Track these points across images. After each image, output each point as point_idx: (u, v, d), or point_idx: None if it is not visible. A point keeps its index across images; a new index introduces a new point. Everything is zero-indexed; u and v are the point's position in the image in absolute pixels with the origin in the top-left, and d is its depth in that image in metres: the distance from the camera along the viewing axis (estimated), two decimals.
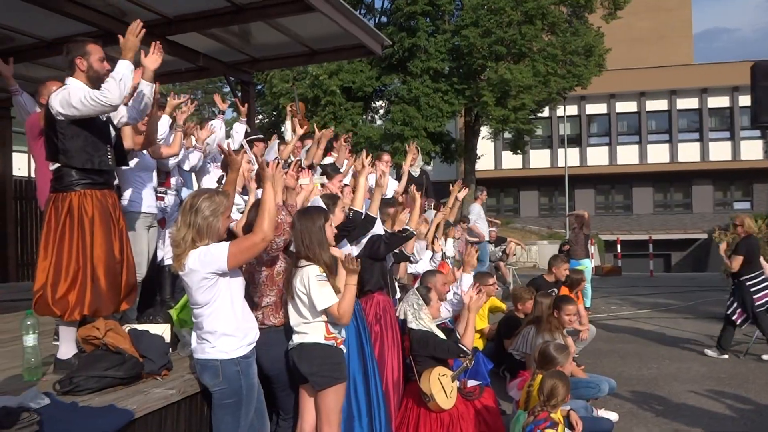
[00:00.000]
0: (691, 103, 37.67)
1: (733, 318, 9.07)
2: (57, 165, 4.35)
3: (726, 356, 9.08)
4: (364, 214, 5.46)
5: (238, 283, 3.91)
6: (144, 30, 4.52)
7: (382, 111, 29.02)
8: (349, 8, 8.45)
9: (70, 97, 4.20)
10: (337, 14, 8.18)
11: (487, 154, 33.96)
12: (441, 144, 27.13)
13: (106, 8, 7.64)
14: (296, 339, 4.32)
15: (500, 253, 15.72)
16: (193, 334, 3.94)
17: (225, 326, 3.80)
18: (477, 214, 14.56)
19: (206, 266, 3.67)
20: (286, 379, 4.45)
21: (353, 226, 5.39)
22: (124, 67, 4.33)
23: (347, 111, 25.30)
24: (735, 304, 9.11)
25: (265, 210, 3.74)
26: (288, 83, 23.74)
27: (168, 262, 6.50)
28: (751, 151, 36.57)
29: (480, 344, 7.96)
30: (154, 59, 4.63)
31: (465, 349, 5.64)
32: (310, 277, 4.19)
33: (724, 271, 9.74)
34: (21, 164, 13.66)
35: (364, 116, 27.67)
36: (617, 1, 26.31)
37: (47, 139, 4.38)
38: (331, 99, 24.71)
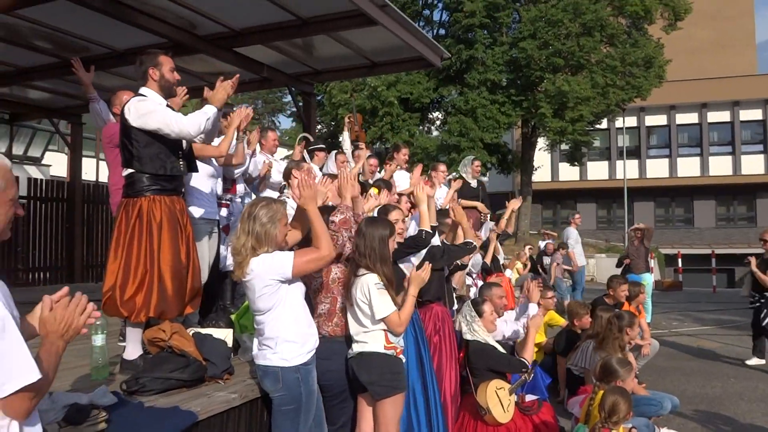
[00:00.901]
0: (755, 114, 36.67)
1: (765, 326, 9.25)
2: (129, 171, 4.51)
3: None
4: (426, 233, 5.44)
5: (299, 290, 3.97)
6: (233, 80, 4.81)
7: (438, 122, 29.04)
8: (409, 21, 8.52)
9: (153, 112, 4.40)
10: (398, 27, 8.25)
11: (543, 166, 33.65)
12: (498, 155, 27.03)
13: (176, 20, 7.85)
14: (356, 348, 4.36)
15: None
16: (255, 340, 4.01)
17: (286, 333, 3.85)
18: (575, 240, 14.39)
19: (270, 273, 3.74)
20: (337, 391, 4.46)
21: (422, 245, 5.41)
22: (211, 110, 4.61)
23: (404, 122, 25.43)
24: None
25: (318, 230, 3.86)
26: (347, 94, 23.97)
27: (230, 268, 6.63)
28: None
29: (537, 358, 7.89)
30: (225, 87, 4.77)
31: (525, 362, 5.60)
32: (370, 286, 4.24)
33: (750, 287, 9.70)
34: (89, 169, 14.10)
35: (420, 127, 27.74)
36: (677, 11, 25.96)
37: (122, 146, 4.55)
38: (389, 110, 24.87)
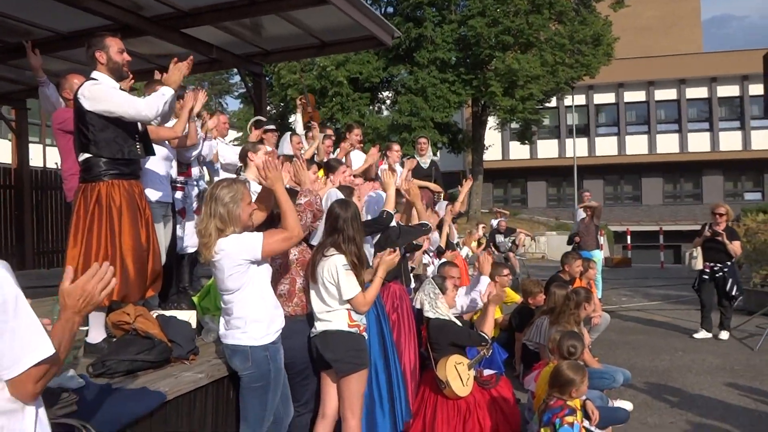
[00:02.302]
0: (701, 92, 37.44)
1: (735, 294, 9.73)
2: (86, 156, 4.48)
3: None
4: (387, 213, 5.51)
5: (266, 270, 4.01)
6: (188, 62, 4.79)
7: (389, 102, 29.06)
8: (360, 0, 8.50)
9: (109, 96, 4.38)
10: (348, 6, 8.20)
11: (494, 145, 33.98)
12: (448, 134, 27.20)
13: (122, 2, 7.68)
14: (319, 326, 4.45)
15: (510, 244, 15.81)
16: (221, 320, 4.04)
17: (254, 313, 3.90)
18: None
19: (240, 253, 3.78)
20: (300, 368, 4.52)
21: (384, 226, 5.48)
22: (168, 92, 4.58)
23: (354, 102, 25.38)
24: (735, 285, 9.69)
25: (287, 211, 3.91)
26: (295, 74, 23.82)
27: (190, 250, 6.62)
28: (762, 140, 36.29)
29: (494, 334, 8.04)
30: (180, 69, 4.74)
31: (485, 335, 5.73)
32: (338, 267, 4.32)
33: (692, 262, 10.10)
34: (35, 155, 13.81)
35: (371, 107, 27.73)
36: None
37: (77, 131, 4.50)
38: (339, 90, 24.79)
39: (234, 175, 6.93)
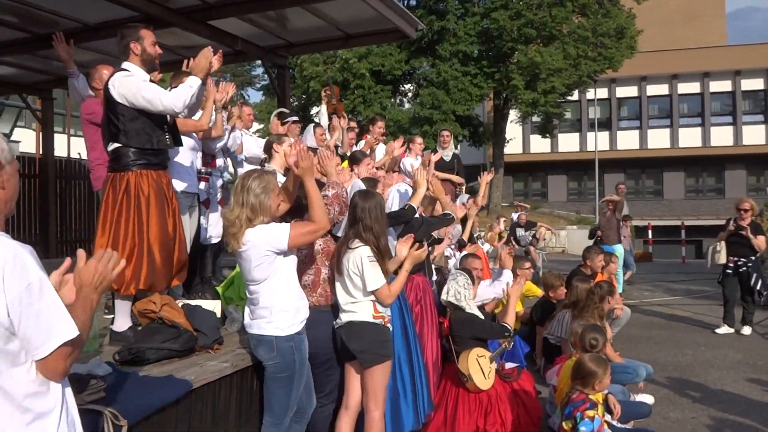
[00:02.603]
0: (724, 85, 37.03)
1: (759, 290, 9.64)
2: (115, 146, 4.52)
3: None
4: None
5: (292, 261, 4.05)
6: (217, 56, 4.80)
7: (410, 94, 29.04)
8: None
9: (139, 88, 4.41)
10: None
11: (515, 138, 33.86)
12: (469, 127, 27.15)
13: None
14: (344, 317, 4.46)
15: (530, 238, 15.77)
16: (246, 310, 4.08)
17: (281, 302, 3.94)
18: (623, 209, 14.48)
19: (267, 244, 3.82)
20: (323, 359, 4.57)
21: (407, 219, 5.49)
22: (195, 82, 4.59)
23: (376, 94, 25.41)
24: (759, 280, 9.60)
25: (315, 202, 3.94)
26: (318, 66, 23.87)
27: (214, 241, 6.67)
28: None
29: (516, 327, 8.04)
30: (206, 55, 4.73)
31: (507, 326, 5.73)
32: (363, 258, 4.33)
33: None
34: (59, 145, 13.93)
35: (392, 99, 27.72)
36: None
37: (107, 121, 4.54)
38: (361, 82, 24.83)
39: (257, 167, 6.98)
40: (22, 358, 2.01)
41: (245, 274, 3.96)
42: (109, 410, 3.02)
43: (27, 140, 21.19)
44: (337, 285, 4.49)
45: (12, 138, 22.36)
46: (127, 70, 4.54)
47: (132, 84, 4.43)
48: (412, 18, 9.63)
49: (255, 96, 76.65)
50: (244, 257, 3.87)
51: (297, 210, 4.35)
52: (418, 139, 9.13)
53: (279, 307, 3.93)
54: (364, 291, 4.37)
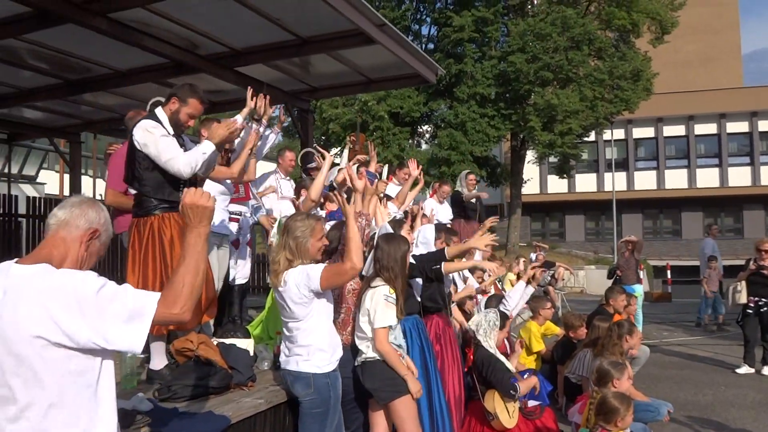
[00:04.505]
0: (741, 126, 37.12)
1: None
2: (137, 192, 4.73)
3: None
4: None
5: (330, 301, 4.23)
6: (237, 129, 4.98)
7: (428, 136, 29.31)
8: (406, 39, 8.70)
9: (155, 143, 4.55)
10: (395, 45, 8.39)
11: (532, 179, 34.01)
12: (487, 168, 27.30)
13: (178, 41, 7.96)
14: (360, 357, 4.61)
15: (549, 278, 15.78)
16: (283, 347, 4.24)
17: (318, 341, 4.11)
18: (711, 249, 14.54)
19: (302, 286, 4.00)
20: (349, 397, 4.68)
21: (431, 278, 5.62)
22: (207, 147, 4.70)
23: (395, 136, 25.66)
24: None
25: (351, 242, 4.07)
26: (337, 109, 24.22)
27: (240, 281, 6.85)
28: None
29: (537, 366, 8.12)
30: (228, 126, 4.88)
31: (517, 387, 5.82)
32: (379, 296, 4.49)
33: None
34: (86, 187, 14.24)
35: (410, 141, 28.00)
36: (664, 25, 26.40)
37: (128, 164, 4.74)
38: (380, 124, 25.09)
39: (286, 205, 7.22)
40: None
41: (284, 312, 4.13)
42: None
43: (52, 182, 21.62)
44: (357, 323, 4.65)
45: (38, 180, 22.85)
46: (155, 120, 4.68)
47: (150, 137, 4.56)
48: (432, 63, 9.80)
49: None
50: (283, 297, 4.04)
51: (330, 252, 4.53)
52: (446, 187, 9.36)
53: (317, 346, 4.09)
54: (371, 327, 4.50)
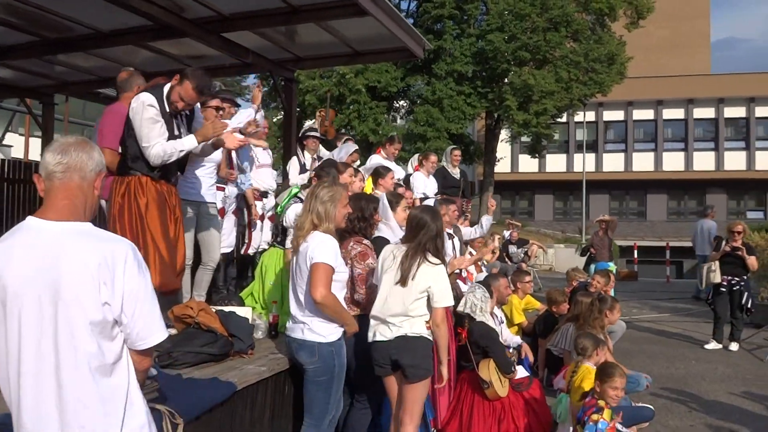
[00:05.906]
0: (708, 112, 37.74)
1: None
2: (121, 153, 4.74)
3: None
4: None
5: (344, 275, 4.27)
6: (228, 131, 5.01)
7: (404, 111, 29.24)
8: (398, 13, 8.58)
9: (141, 123, 4.55)
10: (386, 18, 8.25)
11: (504, 157, 34.18)
12: (461, 145, 27.29)
13: (165, 2, 7.70)
14: (396, 330, 4.33)
15: (522, 255, 15.96)
16: (292, 311, 4.25)
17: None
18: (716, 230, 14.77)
19: (312, 254, 4.04)
20: (357, 367, 4.62)
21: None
22: (188, 143, 4.68)
23: (371, 110, 25.49)
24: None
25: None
26: (314, 80, 24.00)
27: (223, 251, 6.76)
28: (765, 161, 36.62)
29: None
30: (215, 127, 4.83)
31: (514, 363, 5.95)
32: (442, 275, 4.36)
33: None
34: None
35: (387, 115, 27.89)
36: (640, 10, 26.58)
37: (126, 125, 4.73)
38: (357, 98, 24.91)
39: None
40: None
41: (296, 278, 4.13)
42: (167, 408, 3.14)
43: (17, 145, 21.14)
44: (390, 297, 4.37)
45: (4, 142, 22.25)
46: (159, 95, 4.65)
47: (139, 114, 4.56)
48: (420, 37, 9.70)
49: (245, 107, 76.38)
50: (299, 260, 4.05)
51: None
52: (432, 157, 9.35)
53: (323, 315, 4.10)
54: (425, 305, 4.33)
